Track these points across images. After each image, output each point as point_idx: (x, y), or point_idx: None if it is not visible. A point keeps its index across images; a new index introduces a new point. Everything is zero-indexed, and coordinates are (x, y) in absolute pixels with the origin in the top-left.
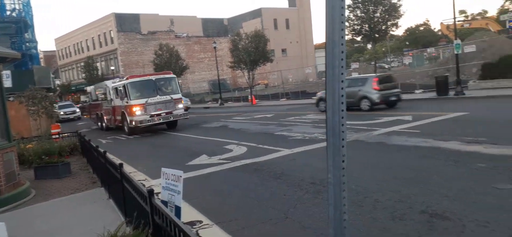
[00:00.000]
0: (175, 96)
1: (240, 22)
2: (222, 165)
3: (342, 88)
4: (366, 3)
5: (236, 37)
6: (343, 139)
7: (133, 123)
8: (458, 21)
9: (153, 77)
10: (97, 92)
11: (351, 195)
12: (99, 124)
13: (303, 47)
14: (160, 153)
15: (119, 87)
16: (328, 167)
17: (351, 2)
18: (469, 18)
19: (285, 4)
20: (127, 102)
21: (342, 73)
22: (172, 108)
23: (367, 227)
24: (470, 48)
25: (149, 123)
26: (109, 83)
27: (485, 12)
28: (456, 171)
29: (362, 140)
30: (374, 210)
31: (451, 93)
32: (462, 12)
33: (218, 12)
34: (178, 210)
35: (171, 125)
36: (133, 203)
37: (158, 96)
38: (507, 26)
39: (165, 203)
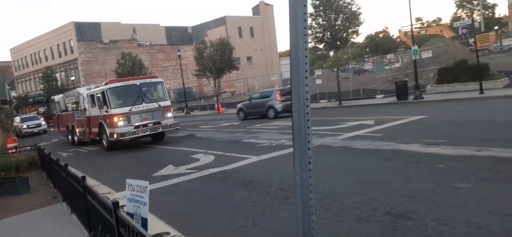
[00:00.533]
0: (163, 103)
1: (204, 30)
2: (189, 175)
3: (306, 92)
4: (328, 11)
5: (201, 45)
6: (309, 142)
7: (115, 135)
8: (415, 28)
9: (137, 82)
10: (67, 102)
11: (319, 199)
12: (70, 137)
13: (268, 55)
14: (124, 164)
15: (97, 94)
16: (295, 169)
17: (313, 11)
18: (425, 25)
19: (249, 13)
20: (106, 111)
21: (306, 78)
22: (160, 118)
23: (335, 229)
24: (427, 54)
25: (134, 136)
26: (83, 90)
27: (440, 19)
28: (417, 172)
29: (328, 144)
30: (341, 213)
31: (411, 97)
32: (418, 19)
33: (182, 20)
34: (144, 222)
35: (157, 137)
36: (97, 216)
37: (144, 104)
38: (460, 33)
39: (131, 215)
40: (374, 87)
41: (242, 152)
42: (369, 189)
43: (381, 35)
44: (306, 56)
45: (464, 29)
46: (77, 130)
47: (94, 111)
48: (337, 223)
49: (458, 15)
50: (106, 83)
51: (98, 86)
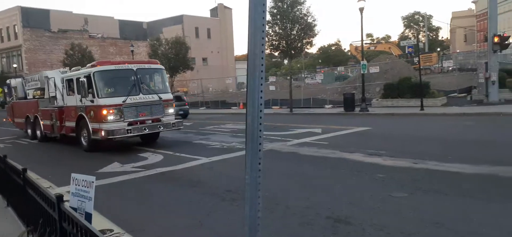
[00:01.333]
0: (165, 96)
1: (160, 27)
2: (136, 173)
3: (261, 98)
4: (284, 21)
5: (155, 42)
6: (260, 144)
7: (101, 132)
8: (365, 43)
9: (134, 67)
10: (27, 88)
11: (265, 202)
12: (30, 131)
13: (224, 58)
14: (66, 159)
15: (79, 78)
16: (246, 169)
17: (270, 19)
18: (375, 42)
19: (207, 14)
20: (91, 101)
21: (261, 84)
22: (161, 114)
23: (278, 232)
24: (374, 69)
25: (128, 135)
26: (55, 74)
27: (389, 37)
28: (359, 180)
29: (277, 150)
30: (285, 216)
31: (357, 109)
32: (369, 35)
33: (137, 15)
34: (88, 217)
35: (149, 138)
36: (37, 210)
37: (141, 95)
38: (406, 51)
39: (74, 209)
40: (324, 97)
41: (192, 152)
42: (313, 194)
43: (333, 48)
44: (262, 65)
45: (410, 48)
46: (42, 123)
47: (70, 101)
48: (280, 226)
49: (406, 34)
50: (93, 65)
51: (79, 69)
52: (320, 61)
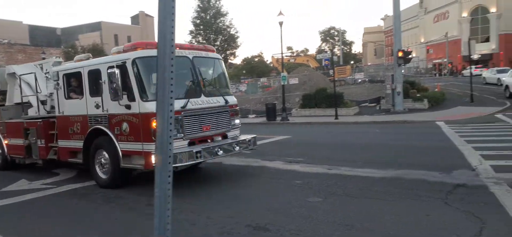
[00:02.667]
0: (230, 99)
1: (76, 34)
2: (45, 191)
3: (171, 111)
4: (208, 31)
5: (70, 49)
6: (170, 156)
7: (150, 158)
8: (286, 56)
9: (189, 54)
10: None
11: (186, 214)
12: None
13: None
14: None
15: (100, 69)
16: (155, 181)
17: (194, 29)
18: (295, 54)
19: (128, 21)
20: (127, 106)
21: (171, 97)
22: (227, 126)
23: None
24: (294, 80)
25: (198, 160)
26: (32, 68)
27: (307, 50)
28: (278, 187)
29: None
30: (206, 227)
31: (278, 118)
32: (289, 48)
33: (50, 20)
34: None
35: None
36: None
37: (203, 97)
38: (323, 64)
39: None
40: (248, 107)
41: None
42: (234, 203)
43: (256, 59)
44: (171, 78)
45: (326, 61)
46: (5, 143)
47: (73, 107)
48: (201, 236)
49: (322, 47)
50: (132, 48)
51: (89, 57)
52: (244, 72)
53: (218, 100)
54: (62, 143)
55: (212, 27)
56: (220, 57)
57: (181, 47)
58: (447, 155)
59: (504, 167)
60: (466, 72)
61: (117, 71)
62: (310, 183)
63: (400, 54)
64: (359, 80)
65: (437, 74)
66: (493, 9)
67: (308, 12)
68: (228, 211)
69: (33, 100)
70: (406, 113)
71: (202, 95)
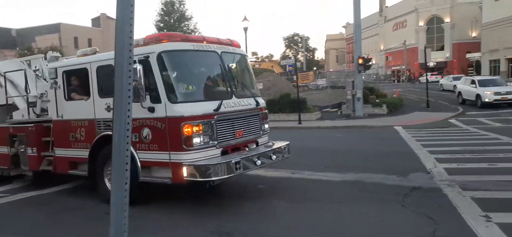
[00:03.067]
0: (260, 101)
1: (33, 35)
2: None
3: (128, 117)
4: None
5: (26, 51)
6: (127, 163)
7: (182, 170)
8: (251, 61)
9: (217, 49)
10: None
11: (152, 222)
12: None
13: None
14: None
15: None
16: (112, 189)
17: (156, 32)
18: (260, 60)
19: (89, 24)
20: (151, 109)
21: (129, 103)
22: (258, 132)
23: None
24: (259, 86)
25: (236, 173)
26: (19, 65)
27: (272, 55)
28: (244, 193)
29: None
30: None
31: None
32: (254, 53)
33: (4, 21)
34: None
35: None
36: None
37: (234, 99)
38: (287, 70)
39: None
40: None
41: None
42: (201, 210)
43: None
44: (130, 84)
45: (290, 67)
46: None
47: (76, 110)
48: None
49: (287, 53)
50: (156, 40)
51: (96, 52)
52: None
53: (249, 102)
54: (60, 152)
55: (176, 31)
56: (247, 54)
57: (207, 40)
58: (404, 158)
59: (456, 169)
60: (422, 79)
61: (139, 67)
62: (274, 187)
63: (361, 61)
64: (322, 86)
65: (396, 81)
66: (447, 20)
67: (273, 11)
68: (196, 217)
69: (19, 102)
70: (366, 118)
71: (234, 97)
